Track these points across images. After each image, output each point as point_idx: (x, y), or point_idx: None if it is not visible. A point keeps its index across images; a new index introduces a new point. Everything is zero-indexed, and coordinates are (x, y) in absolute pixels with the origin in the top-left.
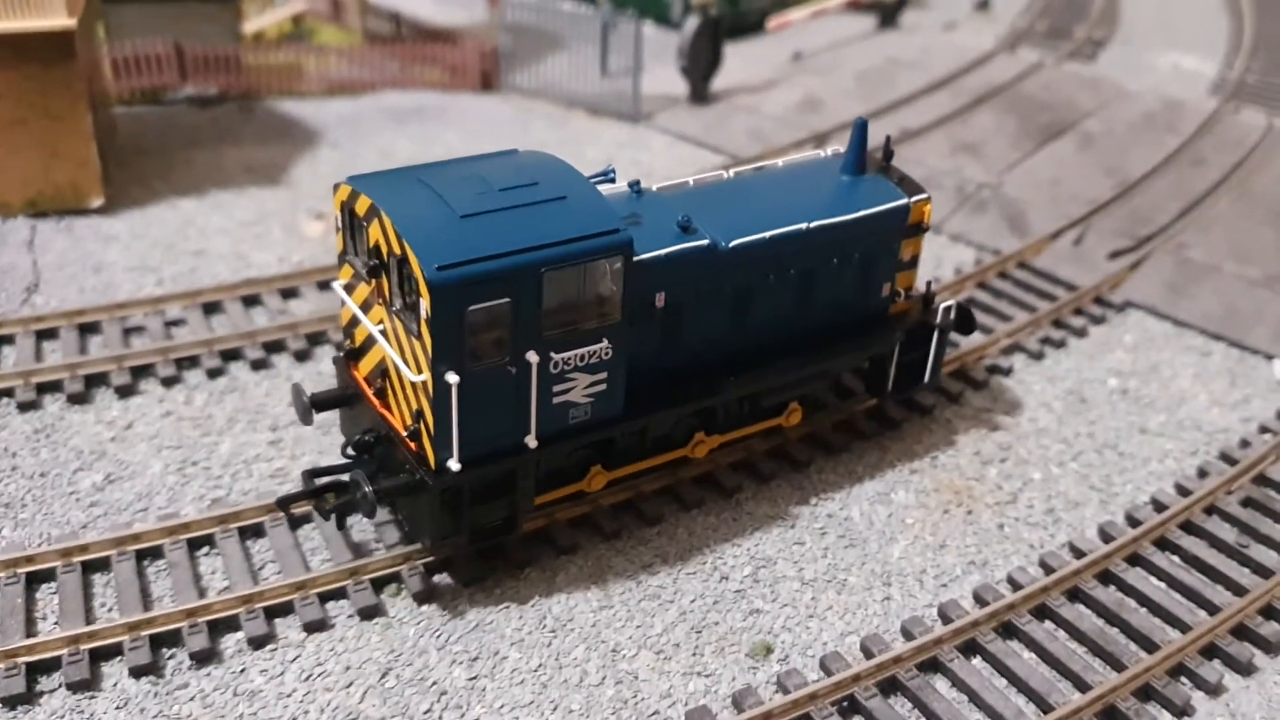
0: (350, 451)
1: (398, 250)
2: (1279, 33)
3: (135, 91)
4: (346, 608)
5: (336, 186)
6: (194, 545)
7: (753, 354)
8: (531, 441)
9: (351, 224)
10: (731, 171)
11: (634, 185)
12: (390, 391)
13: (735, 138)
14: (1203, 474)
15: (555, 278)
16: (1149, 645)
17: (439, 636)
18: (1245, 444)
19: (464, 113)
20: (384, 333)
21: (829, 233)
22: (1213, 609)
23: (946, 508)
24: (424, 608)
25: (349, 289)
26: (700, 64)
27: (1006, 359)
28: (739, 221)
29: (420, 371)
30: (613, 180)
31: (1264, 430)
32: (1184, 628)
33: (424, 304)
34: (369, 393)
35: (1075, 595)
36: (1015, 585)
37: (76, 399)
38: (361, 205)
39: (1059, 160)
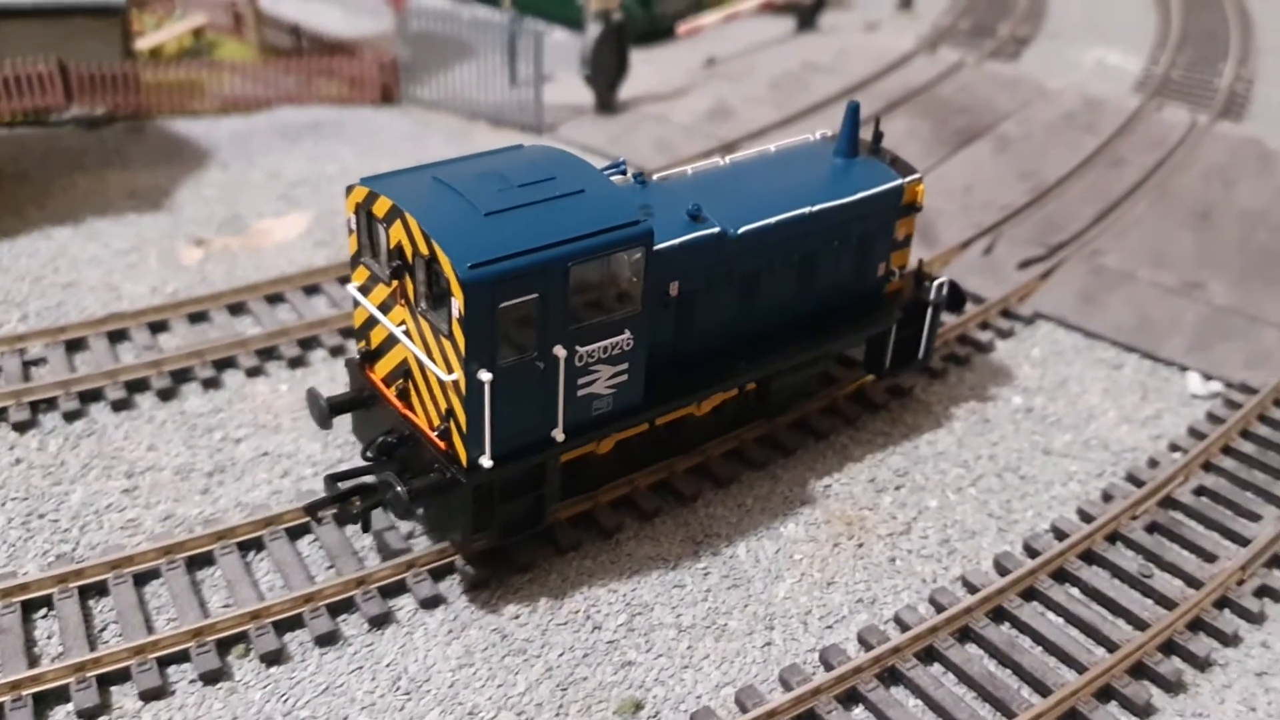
0: (370, 454)
1: (425, 250)
2: (1206, 26)
3: (16, 113)
4: (189, 672)
5: (350, 189)
6: (29, 607)
7: (759, 338)
8: (559, 435)
9: (369, 226)
10: (727, 159)
11: (638, 176)
12: (413, 391)
13: (641, 148)
14: (1107, 497)
15: (581, 271)
16: (1042, 689)
17: (285, 701)
18: (1154, 464)
19: (361, 127)
20: (406, 333)
21: (831, 215)
22: (1111, 646)
23: (837, 540)
24: (272, 669)
25: (364, 291)
26: (605, 72)
27: (906, 379)
28: (744, 208)
29: (451, 370)
30: (624, 172)
31: (1174, 449)
32: (1079, 668)
33: (456, 303)
34: (389, 394)
35: (966, 635)
36: (903, 626)
37: None
38: (381, 207)
39: (973, 166)
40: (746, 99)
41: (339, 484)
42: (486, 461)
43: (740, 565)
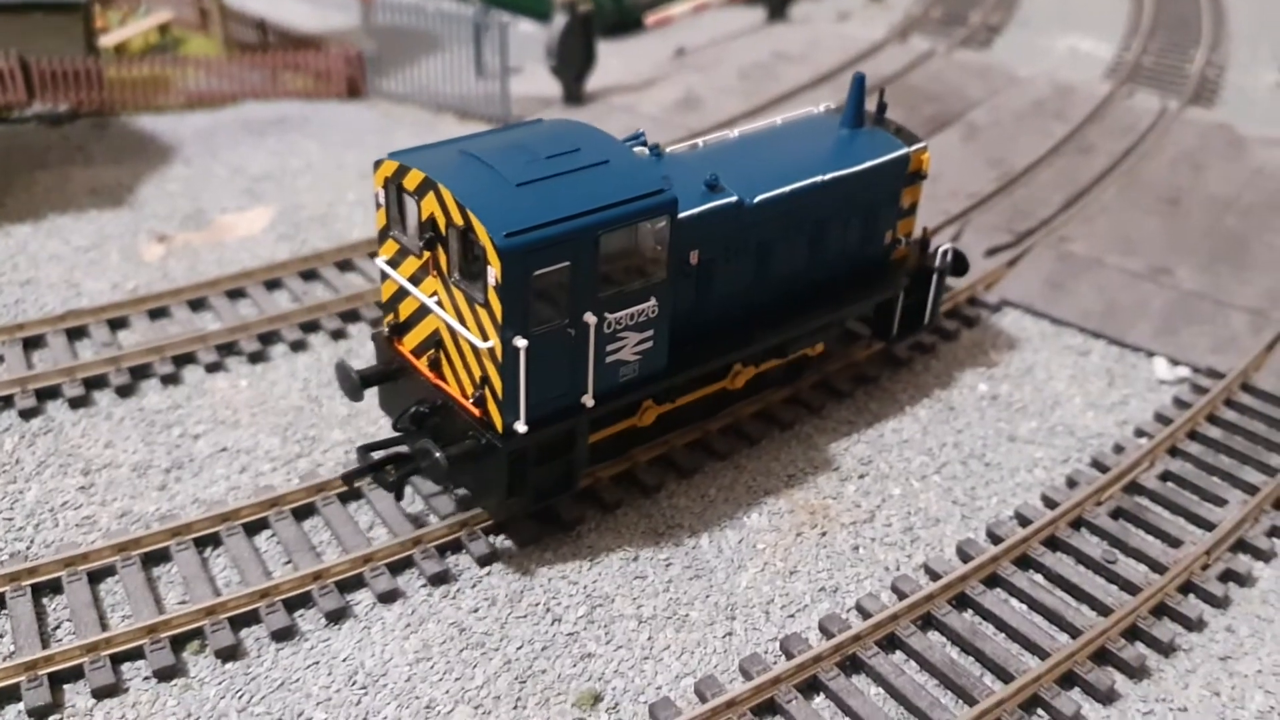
0: (402, 425)
1: (459, 221)
2: (1178, 13)
3: None
4: (143, 669)
5: (378, 163)
6: None
7: (774, 304)
8: (589, 400)
9: (399, 199)
10: (736, 131)
11: (653, 149)
12: (445, 361)
13: None
14: (1072, 484)
15: (610, 240)
16: (1004, 675)
17: (241, 697)
18: (1119, 449)
19: (327, 122)
20: (439, 303)
21: (842, 184)
22: (1074, 632)
23: (800, 530)
24: (227, 665)
25: (393, 264)
26: (572, 64)
27: (873, 368)
28: (758, 178)
29: (487, 338)
30: (644, 144)
31: (1140, 434)
32: (1042, 654)
33: (493, 271)
34: (419, 365)
35: (928, 622)
36: (864, 614)
37: None
38: (412, 180)
39: (942, 154)
40: (716, 89)
41: (372, 454)
42: (521, 427)
43: (703, 556)
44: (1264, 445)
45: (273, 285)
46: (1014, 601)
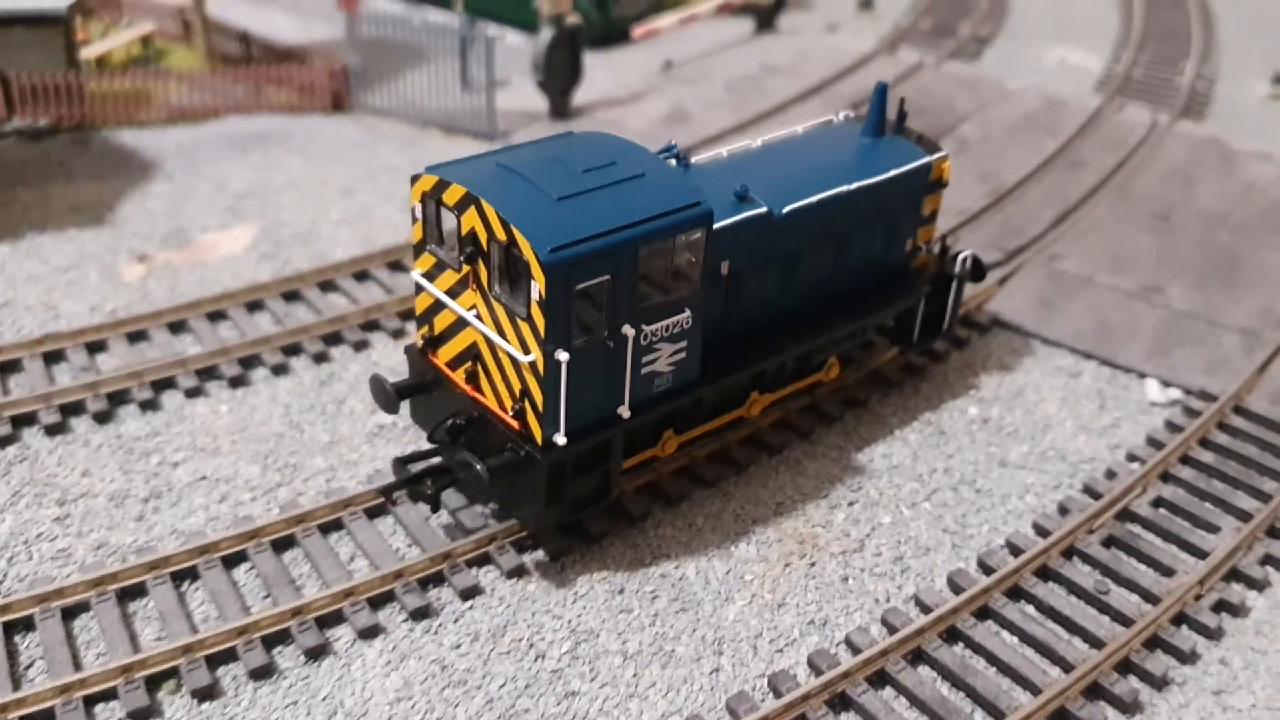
0: (438, 437)
1: (501, 236)
2: (1168, 25)
3: None
4: (117, 709)
5: (415, 178)
6: None
7: (799, 314)
8: (625, 412)
9: (438, 214)
10: (759, 141)
11: (681, 160)
12: (482, 374)
13: None
14: (1064, 511)
15: (648, 253)
16: (995, 712)
17: None
18: (1111, 475)
19: (311, 136)
20: (477, 316)
21: (868, 193)
22: (1066, 666)
23: (789, 560)
24: (204, 705)
25: (429, 278)
26: (558, 78)
27: (863, 391)
28: (784, 188)
29: (528, 351)
30: (676, 156)
31: (1132, 459)
32: (1034, 689)
33: (537, 286)
34: (455, 377)
35: (918, 657)
36: (854, 649)
37: None
38: (452, 194)
39: None
40: (704, 102)
41: (409, 466)
42: (561, 439)
43: (690, 587)
44: (1257, 470)
45: (254, 307)
46: (1005, 634)
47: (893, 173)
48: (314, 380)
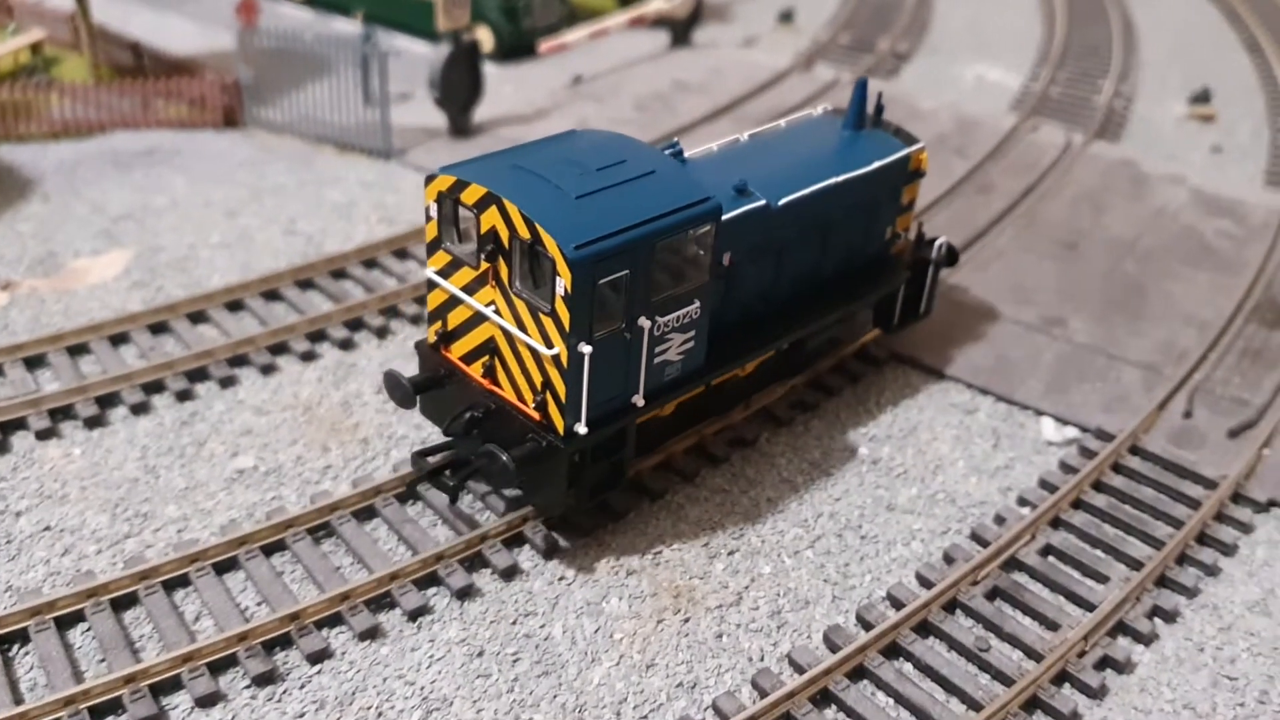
0: (456, 429)
1: (524, 234)
2: (1090, 40)
3: None
4: None
5: (430, 177)
6: None
7: (790, 301)
8: (639, 400)
9: (455, 213)
10: (746, 135)
11: (678, 154)
12: (500, 367)
13: None
14: (949, 560)
15: (663, 247)
16: None
17: None
18: (1000, 520)
19: (199, 154)
20: (496, 311)
21: (855, 184)
22: None
23: (662, 615)
24: None
25: (444, 275)
26: (457, 95)
27: (751, 429)
28: (776, 181)
29: (552, 345)
30: (680, 154)
31: (1023, 503)
32: None
33: (563, 282)
34: (470, 371)
35: None
36: (721, 715)
37: None
38: (472, 194)
39: None
40: (610, 121)
41: (427, 459)
42: (582, 428)
43: (554, 648)
44: (1150, 513)
45: (119, 340)
46: (880, 695)
47: (876, 164)
48: (175, 420)
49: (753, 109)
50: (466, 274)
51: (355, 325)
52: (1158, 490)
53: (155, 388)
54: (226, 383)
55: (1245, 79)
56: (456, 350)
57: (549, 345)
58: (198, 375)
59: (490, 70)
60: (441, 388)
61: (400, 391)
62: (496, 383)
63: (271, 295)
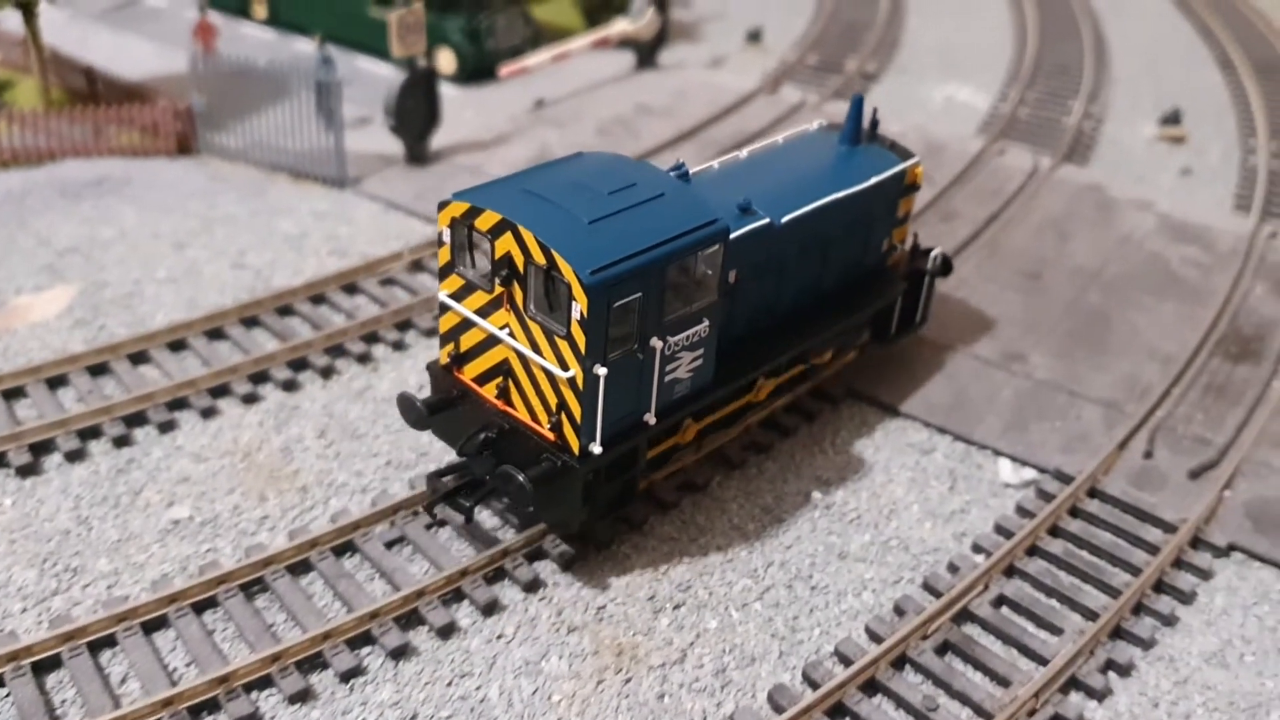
0: (469, 449)
1: (540, 259)
2: (1061, 59)
3: None
4: None
5: (443, 204)
6: None
7: (792, 316)
8: (651, 419)
9: (469, 238)
10: (744, 151)
11: (682, 173)
12: (514, 389)
13: None
14: (900, 611)
15: (675, 269)
16: None
17: None
18: (953, 569)
19: (150, 183)
20: (511, 334)
21: (854, 199)
22: None
23: (603, 675)
24: None
25: (456, 299)
26: (413, 122)
27: (703, 473)
28: (779, 198)
29: (567, 368)
30: (686, 175)
31: (977, 550)
32: None
33: (579, 306)
34: (483, 393)
35: None
36: None
37: None
38: (486, 220)
39: None
40: (571, 147)
41: (443, 479)
42: (597, 448)
43: (490, 712)
44: (1108, 560)
45: (57, 383)
46: None
47: (874, 179)
48: (111, 467)
49: (717, 133)
50: (480, 297)
51: (299, 365)
52: (1116, 535)
53: (92, 433)
54: (165, 427)
55: (1217, 97)
56: (469, 372)
57: (564, 368)
58: (136, 420)
59: (450, 94)
60: (454, 409)
61: (414, 414)
62: (510, 404)
63: (215, 334)
